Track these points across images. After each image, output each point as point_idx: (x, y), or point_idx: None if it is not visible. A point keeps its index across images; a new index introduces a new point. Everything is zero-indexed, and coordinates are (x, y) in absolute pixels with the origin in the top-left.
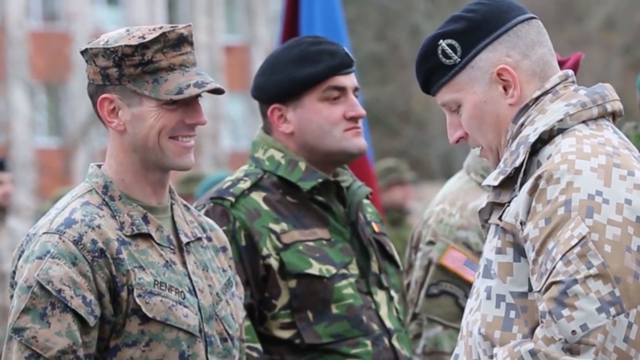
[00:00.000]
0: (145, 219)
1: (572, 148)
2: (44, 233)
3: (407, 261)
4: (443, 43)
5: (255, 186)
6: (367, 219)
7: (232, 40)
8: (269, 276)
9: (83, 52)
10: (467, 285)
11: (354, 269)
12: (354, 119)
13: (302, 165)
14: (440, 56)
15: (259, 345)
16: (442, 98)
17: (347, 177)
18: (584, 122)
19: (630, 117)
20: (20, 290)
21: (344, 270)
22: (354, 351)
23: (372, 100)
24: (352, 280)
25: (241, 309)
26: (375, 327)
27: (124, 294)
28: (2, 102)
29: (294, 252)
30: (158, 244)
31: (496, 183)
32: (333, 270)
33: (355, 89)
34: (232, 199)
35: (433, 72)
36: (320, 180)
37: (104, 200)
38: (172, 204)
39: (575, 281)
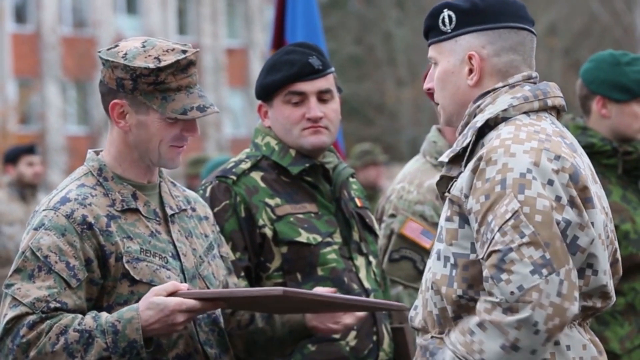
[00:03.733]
0: (134, 196)
1: (510, 134)
2: (43, 210)
3: None
4: (446, 12)
5: (254, 167)
6: (351, 195)
7: (232, 43)
8: (264, 243)
9: (100, 57)
10: (423, 251)
11: (337, 238)
12: (313, 119)
13: (292, 151)
14: (440, 21)
15: None
16: (430, 52)
17: (332, 160)
18: (525, 113)
19: (570, 110)
20: (17, 256)
21: (328, 239)
22: None
23: (351, 94)
24: (335, 247)
25: (222, 267)
26: (355, 287)
27: (112, 260)
28: (39, 96)
29: (286, 223)
30: (145, 217)
31: (446, 159)
32: (319, 239)
33: (324, 92)
34: (234, 177)
35: (432, 29)
36: (307, 165)
37: (98, 181)
38: (160, 182)
39: (511, 249)
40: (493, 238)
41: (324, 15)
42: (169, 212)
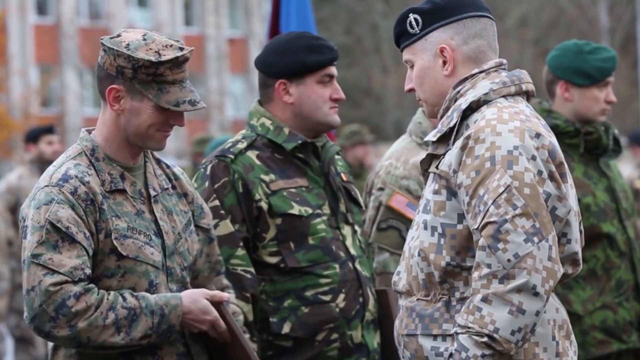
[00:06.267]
0: (122, 176)
1: (494, 115)
2: (46, 186)
3: (363, 203)
4: (411, 16)
5: (250, 146)
6: (338, 170)
7: (234, 34)
8: (260, 215)
9: (103, 44)
10: (408, 222)
11: (326, 209)
12: (336, 100)
13: (286, 130)
14: (407, 25)
15: (252, 269)
16: (404, 56)
17: (321, 138)
18: (504, 96)
19: (538, 95)
20: (33, 229)
21: (318, 211)
22: (325, 272)
23: (341, 80)
24: (324, 218)
25: (196, 241)
26: (342, 254)
27: (101, 236)
28: (58, 82)
29: (280, 197)
30: (131, 197)
31: (434, 139)
32: (310, 211)
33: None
34: (232, 157)
35: (402, 35)
36: (300, 141)
37: (90, 161)
38: (145, 162)
39: (505, 221)
40: (487, 210)
41: (316, 8)
42: (152, 193)
